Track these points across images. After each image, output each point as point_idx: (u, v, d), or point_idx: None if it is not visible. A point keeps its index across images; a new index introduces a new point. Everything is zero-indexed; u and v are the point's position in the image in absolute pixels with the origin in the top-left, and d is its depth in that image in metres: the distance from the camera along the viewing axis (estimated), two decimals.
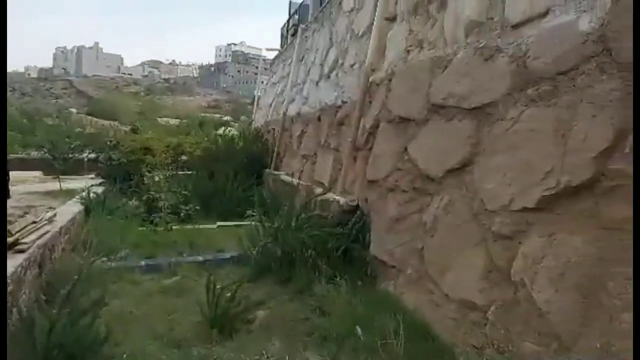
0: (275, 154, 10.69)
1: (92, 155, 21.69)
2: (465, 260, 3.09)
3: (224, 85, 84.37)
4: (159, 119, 41.19)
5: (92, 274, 3.95)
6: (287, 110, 10.53)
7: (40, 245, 3.77)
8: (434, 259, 3.45)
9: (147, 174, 11.67)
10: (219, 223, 7.72)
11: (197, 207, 8.22)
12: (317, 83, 8.35)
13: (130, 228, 6.50)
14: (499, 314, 2.71)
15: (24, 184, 14.74)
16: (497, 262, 2.81)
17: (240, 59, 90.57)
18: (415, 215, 3.79)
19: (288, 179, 8.25)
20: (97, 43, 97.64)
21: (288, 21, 14.05)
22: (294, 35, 12.04)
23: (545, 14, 2.65)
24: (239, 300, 3.43)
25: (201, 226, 7.29)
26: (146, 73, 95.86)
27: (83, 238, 5.29)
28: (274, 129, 11.62)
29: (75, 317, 2.75)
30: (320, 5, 10.36)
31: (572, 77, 2.38)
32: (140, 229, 6.69)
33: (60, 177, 17.35)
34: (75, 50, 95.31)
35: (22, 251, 3.33)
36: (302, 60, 10.20)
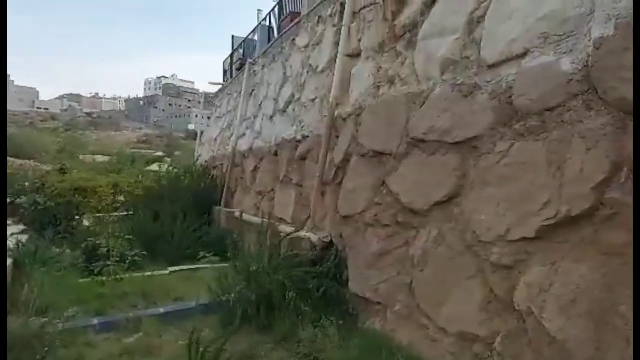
0: (225, 190, 10.30)
1: (7, 200, 19.56)
2: (461, 292, 3.10)
3: (155, 120, 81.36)
4: (83, 157, 38.34)
5: (40, 339, 3.39)
6: (236, 145, 10.29)
7: None
8: (426, 293, 3.43)
9: (76, 218, 10.67)
10: (170, 269, 7.14)
11: (144, 253, 7.55)
12: (271, 118, 8.28)
13: (70, 281, 5.78)
14: (506, 344, 2.71)
15: None
16: (497, 292, 2.84)
17: (172, 92, 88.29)
18: (401, 249, 3.77)
19: (251, 217, 7.95)
20: (7, 75, 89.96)
21: (231, 55, 13.99)
22: (239, 69, 11.99)
23: (524, 55, 2.85)
24: (228, 357, 3.11)
25: (151, 273, 6.68)
26: (65, 107, 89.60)
27: (19, 297, 4.59)
28: (222, 164, 11.27)
29: None
30: (269, 41, 10.49)
31: (560, 113, 2.55)
32: (82, 280, 5.98)
33: None
34: None
35: None
36: (251, 94, 10.12)
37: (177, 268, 7.17)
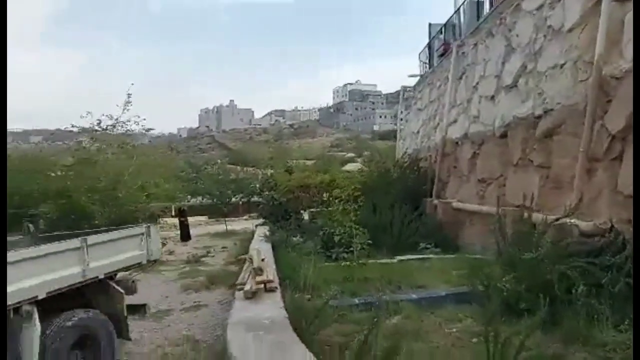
0: (436, 181, 9.97)
1: (244, 199, 23.83)
2: None
3: (344, 124, 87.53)
4: (290, 162, 44.04)
5: (323, 313, 3.68)
6: (446, 133, 9.82)
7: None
8: None
9: (302, 211, 12.04)
10: (397, 257, 7.21)
11: (370, 241, 7.86)
12: (492, 97, 7.54)
13: (318, 264, 6.38)
14: None
15: (196, 227, 16.68)
16: None
17: (357, 97, 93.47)
18: None
19: (473, 207, 7.45)
20: (232, 101, 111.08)
21: (429, 44, 13.59)
22: (442, 55, 11.49)
23: None
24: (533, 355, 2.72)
25: (382, 261, 6.87)
26: (273, 122, 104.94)
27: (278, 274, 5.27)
28: (429, 155, 10.96)
29: None
30: (478, 18, 9.69)
31: None
32: (328, 264, 6.53)
33: (222, 219, 19.21)
34: (215, 109, 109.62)
35: (273, 290, 3.20)
36: (460, 78, 9.51)
37: (403, 257, 7.18)
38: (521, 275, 3.77)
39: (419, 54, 15.09)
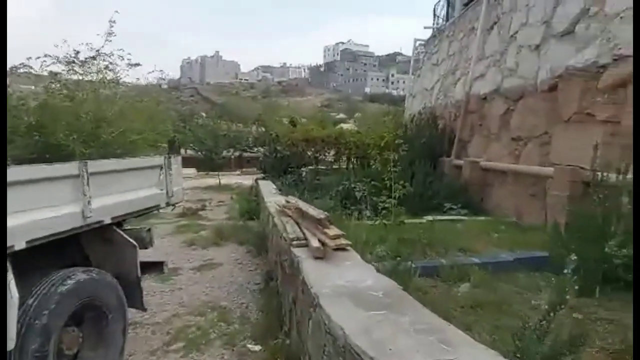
0: (456, 140, 9.34)
1: (236, 154, 22.90)
2: None
3: (334, 85, 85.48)
4: (279, 120, 42.79)
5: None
6: (470, 89, 9.10)
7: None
8: None
9: (310, 167, 11.33)
10: (425, 218, 6.64)
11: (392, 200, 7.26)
12: (537, 47, 6.78)
13: (348, 223, 5.75)
14: None
15: (185, 181, 15.76)
16: None
17: (348, 58, 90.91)
18: None
19: (506, 166, 6.86)
20: (217, 52, 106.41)
21: None
22: (467, 4, 10.54)
23: None
24: None
25: (410, 221, 6.29)
26: (260, 77, 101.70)
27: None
28: (449, 113, 10.26)
29: None
30: None
31: None
32: (361, 222, 5.90)
33: (211, 173, 18.36)
34: (199, 60, 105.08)
35: (344, 248, 2.54)
36: (492, 27, 8.68)
37: (432, 218, 6.61)
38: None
39: (435, 5, 14.05)
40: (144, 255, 3.19)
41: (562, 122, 5.85)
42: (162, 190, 3.30)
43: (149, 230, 3.38)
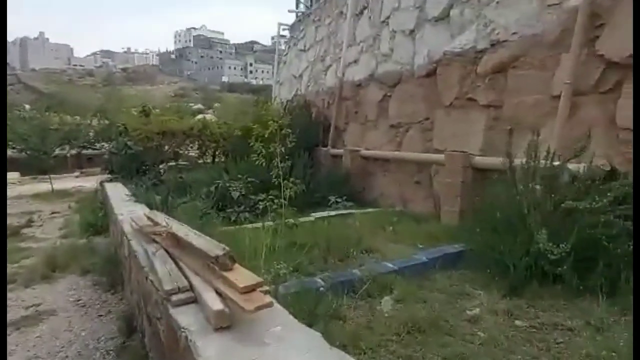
0: (332, 129, 8.96)
1: (74, 151, 19.07)
2: None
3: (188, 73, 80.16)
4: (127, 110, 38.00)
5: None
6: (343, 75, 8.79)
7: None
8: None
9: (170, 164, 9.76)
10: (313, 215, 6.00)
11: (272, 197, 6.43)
12: (411, 32, 6.68)
13: (220, 228, 4.70)
14: None
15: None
16: None
17: (202, 44, 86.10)
18: None
19: (385, 153, 6.63)
20: (42, 33, 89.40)
21: None
22: None
23: None
24: None
25: (299, 220, 5.54)
26: (100, 64, 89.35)
27: None
28: (322, 100, 9.84)
29: None
30: None
31: None
32: (242, 226, 4.91)
33: (41, 177, 14.85)
34: (19, 42, 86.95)
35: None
36: (361, 12, 8.46)
37: (319, 215, 6.01)
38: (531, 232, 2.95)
39: None
40: None
41: (443, 107, 5.80)
42: None
43: None
